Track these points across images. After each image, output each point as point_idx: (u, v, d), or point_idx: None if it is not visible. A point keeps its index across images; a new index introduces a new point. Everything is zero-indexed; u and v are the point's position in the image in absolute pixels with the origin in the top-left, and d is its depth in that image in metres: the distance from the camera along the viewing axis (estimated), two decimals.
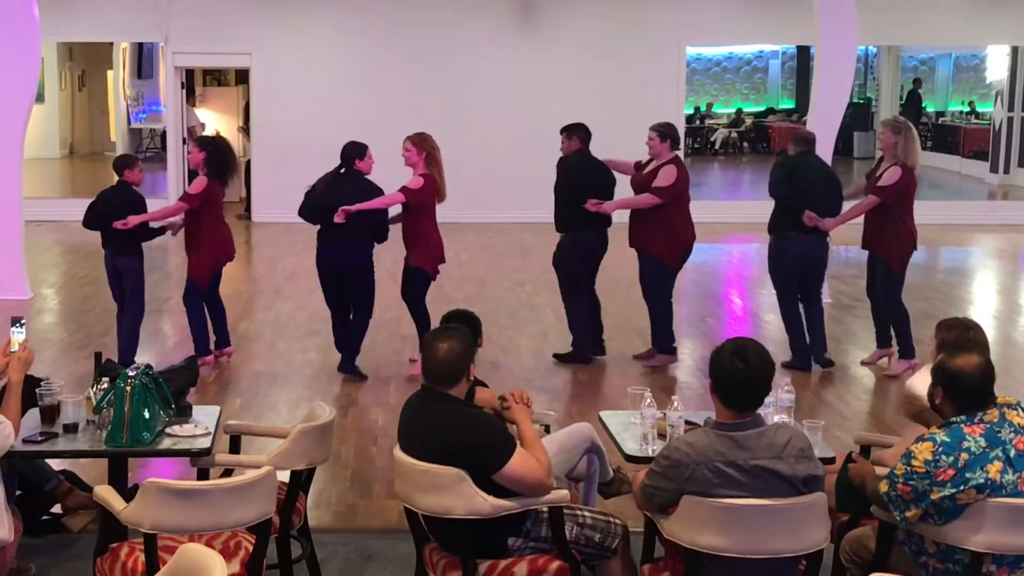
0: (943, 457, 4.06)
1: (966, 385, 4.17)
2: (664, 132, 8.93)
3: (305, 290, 12.00)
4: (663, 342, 9.25)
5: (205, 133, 18.42)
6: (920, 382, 4.70)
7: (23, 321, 4.96)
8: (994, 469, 4.06)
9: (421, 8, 17.15)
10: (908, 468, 4.10)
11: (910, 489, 4.09)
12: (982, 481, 4.04)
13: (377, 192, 8.52)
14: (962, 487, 4.04)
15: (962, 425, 4.14)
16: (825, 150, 10.84)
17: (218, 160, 8.81)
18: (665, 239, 8.93)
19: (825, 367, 9.05)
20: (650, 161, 9.05)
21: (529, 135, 16.77)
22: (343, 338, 8.82)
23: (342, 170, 8.58)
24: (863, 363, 9.24)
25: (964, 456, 4.06)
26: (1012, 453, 4.10)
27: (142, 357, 8.97)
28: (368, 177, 8.60)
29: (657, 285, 9.13)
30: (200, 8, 17.09)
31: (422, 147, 8.56)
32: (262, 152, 17.40)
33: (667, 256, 9.00)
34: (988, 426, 4.13)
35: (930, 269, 13.98)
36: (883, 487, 4.19)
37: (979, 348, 4.58)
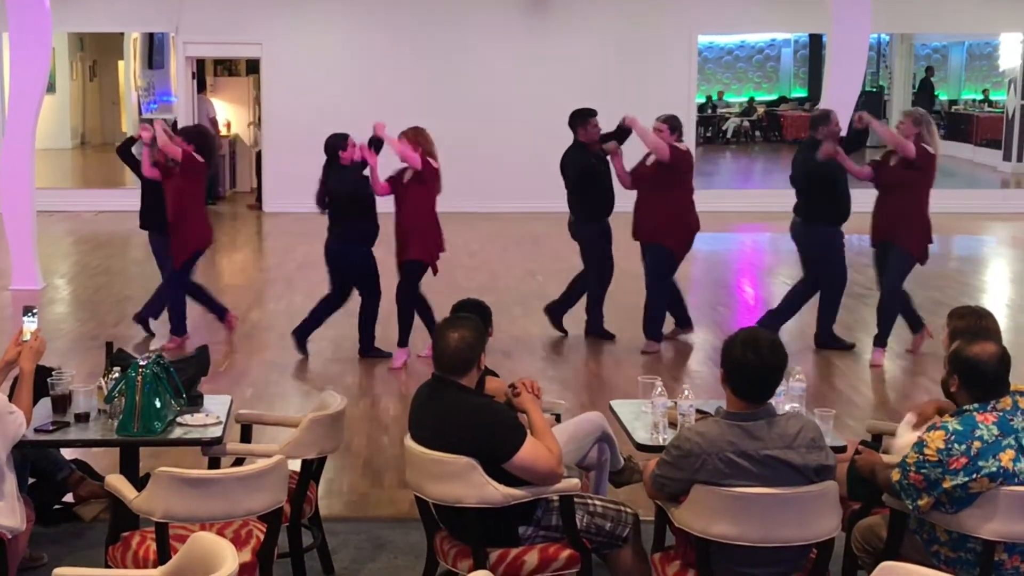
0: (955, 446, 4.05)
1: (983, 373, 4.15)
2: (673, 124, 9.06)
3: (316, 280, 11.95)
4: (657, 330, 9.36)
5: (218, 122, 18.55)
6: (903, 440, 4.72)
7: (35, 310, 4.96)
8: (1006, 457, 4.04)
9: None
10: (920, 456, 4.09)
11: (922, 478, 4.08)
12: (994, 469, 4.03)
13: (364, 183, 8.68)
14: (974, 475, 4.03)
15: (975, 413, 4.12)
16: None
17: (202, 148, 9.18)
18: (675, 230, 9.01)
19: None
20: (650, 154, 9.09)
21: (540, 125, 16.69)
22: (319, 318, 9.01)
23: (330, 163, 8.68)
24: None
25: (976, 444, 4.04)
26: None
27: (154, 344, 9.02)
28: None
29: (664, 276, 9.22)
30: None
31: (416, 141, 8.55)
32: (272, 142, 17.41)
33: (676, 247, 9.08)
34: (1001, 414, 4.11)
35: (943, 257, 13.92)
36: (895, 475, 4.18)
37: (993, 336, 4.57)
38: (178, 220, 8.97)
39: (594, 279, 9.51)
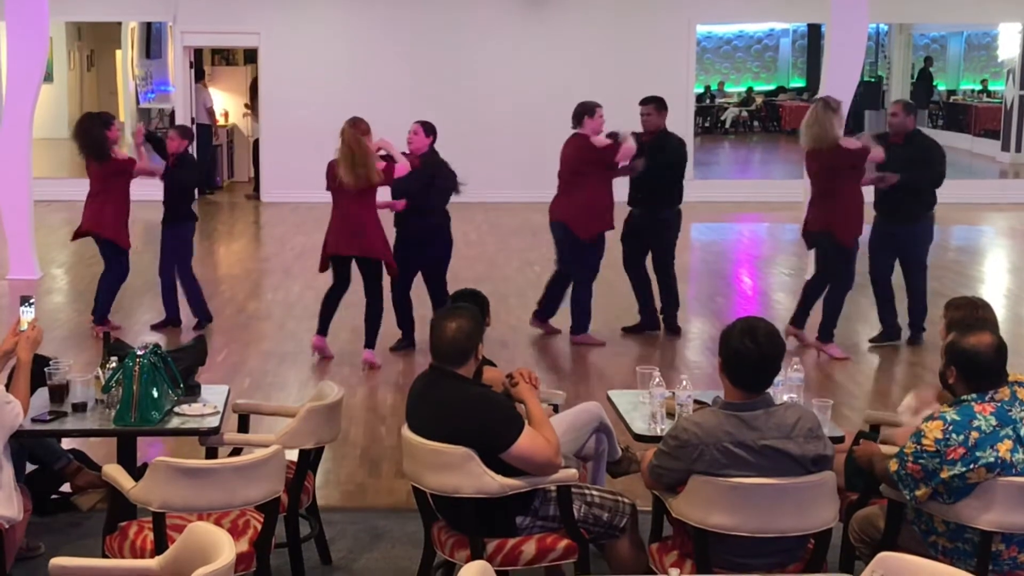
0: (953, 436, 4.05)
1: (980, 363, 4.15)
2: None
3: (314, 270, 11.96)
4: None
5: (215, 112, 18.53)
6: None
7: (32, 300, 4.96)
8: (1004, 448, 4.04)
9: None
10: (918, 447, 4.09)
11: (920, 468, 4.08)
12: (992, 460, 4.03)
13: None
14: (972, 466, 4.03)
15: (973, 403, 4.12)
16: None
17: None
18: None
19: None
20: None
21: (537, 115, 16.72)
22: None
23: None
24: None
25: (974, 435, 4.04)
26: (1022, 431, 4.08)
27: (150, 336, 9.00)
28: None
29: None
30: None
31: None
32: (270, 132, 17.39)
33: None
34: (999, 404, 4.11)
35: (941, 248, 13.90)
36: (893, 466, 4.18)
37: (989, 327, 4.57)
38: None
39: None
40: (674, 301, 9.50)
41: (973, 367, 4.16)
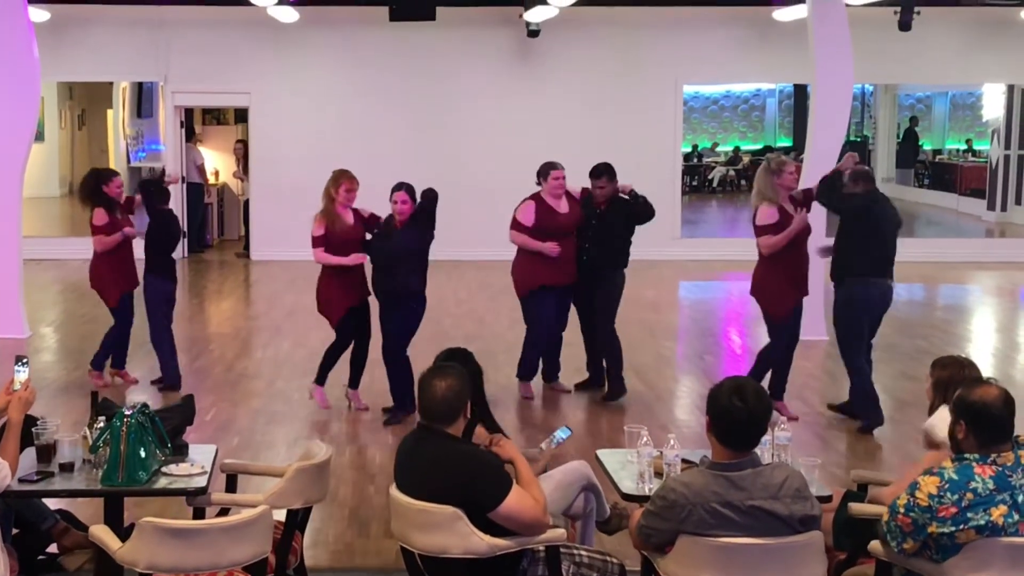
0: (947, 495, 4.04)
1: (991, 416, 4.12)
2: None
3: (304, 328, 11.98)
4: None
5: (206, 170, 18.60)
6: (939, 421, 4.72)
7: (26, 360, 4.94)
8: (997, 512, 4.03)
9: (419, 47, 17.24)
10: (911, 499, 4.09)
11: (910, 521, 4.09)
12: (983, 523, 4.03)
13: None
14: (962, 526, 4.03)
15: (974, 464, 4.10)
16: None
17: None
18: None
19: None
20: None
21: (527, 173, 16.78)
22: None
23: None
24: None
25: (969, 496, 4.03)
26: (1020, 498, 4.07)
27: (139, 396, 8.98)
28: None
29: None
30: (199, 48, 17.20)
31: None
32: (260, 190, 17.46)
33: None
34: (1000, 469, 4.09)
35: (928, 306, 14.00)
36: (885, 516, 4.18)
37: None
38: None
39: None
40: (617, 361, 9.19)
41: (984, 419, 4.12)
